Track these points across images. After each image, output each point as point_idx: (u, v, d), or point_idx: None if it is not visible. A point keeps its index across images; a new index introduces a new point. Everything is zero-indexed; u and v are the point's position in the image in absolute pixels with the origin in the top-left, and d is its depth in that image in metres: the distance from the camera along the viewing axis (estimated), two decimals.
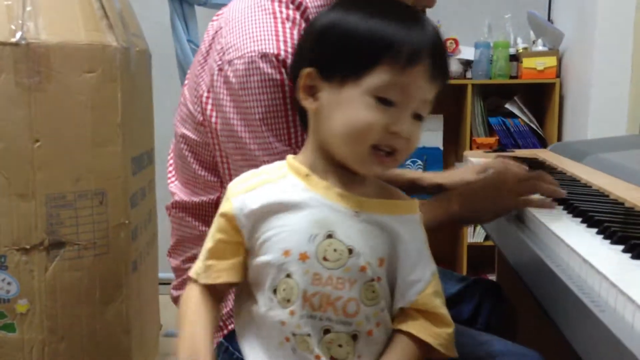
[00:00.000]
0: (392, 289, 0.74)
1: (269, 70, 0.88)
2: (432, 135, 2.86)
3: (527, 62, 2.71)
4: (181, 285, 1.09)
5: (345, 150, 0.72)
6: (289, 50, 0.89)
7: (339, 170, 0.73)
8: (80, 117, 1.50)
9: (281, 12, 0.93)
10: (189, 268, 1.04)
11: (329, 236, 0.70)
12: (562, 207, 1.01)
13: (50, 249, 1.48)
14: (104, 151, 1.53)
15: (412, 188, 1.26)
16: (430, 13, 3.48)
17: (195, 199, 1.04)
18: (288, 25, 0.92)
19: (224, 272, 0.75)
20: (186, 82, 1.06)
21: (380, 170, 0.72)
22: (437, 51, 0.72)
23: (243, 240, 0.74)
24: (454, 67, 2.77)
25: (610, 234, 0.83)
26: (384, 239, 0.72)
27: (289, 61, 0.88)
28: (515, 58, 2.78)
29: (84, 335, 1.53)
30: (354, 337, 0.70)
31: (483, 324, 1.18)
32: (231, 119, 0.91)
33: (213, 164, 0.99)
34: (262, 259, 0.72)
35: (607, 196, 1.10)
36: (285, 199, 0.72)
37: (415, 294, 0.72)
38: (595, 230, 0.87)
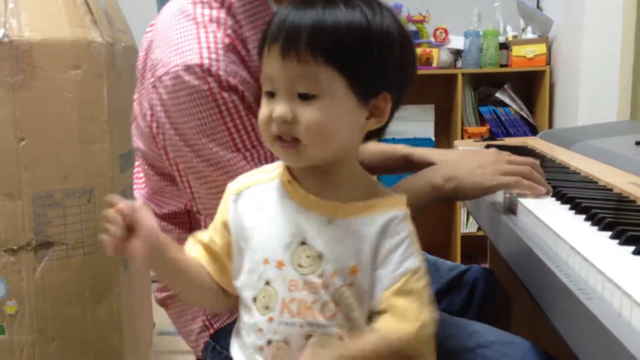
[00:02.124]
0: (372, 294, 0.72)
1: (195, 82, 0.87)
2: (423, 126, 2.86)
3: (516, 50, 2.70)
4: (165, 288, 1.08)
5: None
6: (213, 55, 0.88)
7: (318, 175, 0.72)
8: (66, 115, 1.48)
9: (203, 14, 0.92)
10: None
11: (302, 243, 0.71)
12: (550, 194, 1.00)
13: (38, 249, 1.47)
14: (90, 148, 1.52)
15: (405, 164, 1.22)
16: (420, 3, 3.47)
17: (165, 210, 1.03)
18: (212, 27, 0.91)
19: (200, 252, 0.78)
20: (135, 96, 1.04)
21: (292, 160, 0.71)
22: (292, 26, 0.68)
23: (231, 247, 0.76)
24: (444, 56, 2.76)
25: (599, 221, 0.83)
26: (357, 244, 0.70)
27: (214, 68, 0.87)
28: (505, 46, 2.77)
29: (74, 335, 1.52)
30: (340, 338, 0.70)
31: (475, 313, 1.17)
32: (173, 137, 0.91)
33: (171, 175, 0.98)
34: (244, 268, 0.74)
35: (596, 182, 1.10)
36: (266, 209, 0.74)
37: (381, 291, 0.69)
38: (584, 216, 0.87)
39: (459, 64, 2.80)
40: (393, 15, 0.72)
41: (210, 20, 0.91)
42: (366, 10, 0.69)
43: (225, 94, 0.88)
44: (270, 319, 0.71)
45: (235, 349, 0.77)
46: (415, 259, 0.71)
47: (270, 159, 0.91)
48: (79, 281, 1.52)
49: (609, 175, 1.11)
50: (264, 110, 0.71)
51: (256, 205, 0.75)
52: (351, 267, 0.70)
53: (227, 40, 0.90)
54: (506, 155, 1.01)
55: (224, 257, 0.76)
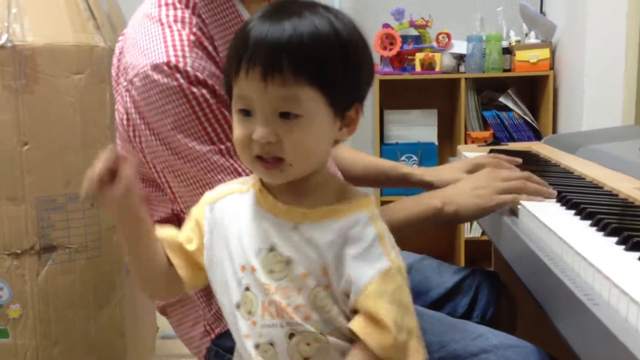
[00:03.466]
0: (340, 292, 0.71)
1: (164, 80, 0.88)
2: (426, 130, 2.85)
3: (520, 55, 2.70)
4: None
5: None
6: (180, 53, 0.89)
7: (288, 184, 0.72)
8: (69, 119, 1.49)
9: (167, 15, 0.93)
10: None
11: (271, 249, 0.72)
12: (555, 199, 1.00)
13: (41, 253, 1.47)
14: (94, 153, 1.49)
15: (404, 183, 1.27)
16: (422, 7, 3.48)
17: (155, 217, 1.04)
18: (177, 27, 0.92)
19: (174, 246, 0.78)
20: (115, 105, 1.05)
21: (275, 179, 0.71)
22: (273, 49, 0.66)
23: (202, 247, 0.77)
24: (447, 61, 2.76)
25: (604, 226, 0.82)
26: (321, 250, 0.70)
27: (181, 64, 0.88)
28: (508, 51, 2.77)
29: (78, 339, 1.52)
30: (322, 334, 0.70)
31: (479, 317, 1.17)
32: (149, 138, 0.92)
33: (155, 179, 0.98)
34: (225, 276, 0.74)
35: (601, 188, 1.09)
36: (240, 216, 0.74)
37: (354, 295, 0.68)
38: (589, 222, 0.86)
39: (462, 68, 2.80)
40: (353, 23, 0.72)
41: (175, 20, 0.92)
42: (335, 23, 0.69)
43: (194, 89, 0.88)
44: (254, 323, 0.71)
45: (237, 355, 0.78)
46: (384, 260, 0.69)
47: None
48: (83, 285, 1.52)
49: (615, 180, 1.10)
50: (240, 130, 0.70)
51: (231, 213, 0.76)
52: (321, 270, 0.70)
53: (192, 38, 0.91)
54: (500, 172, 1.05)
55: (193, 251, 0.77)
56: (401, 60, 2.79)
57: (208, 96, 0.89)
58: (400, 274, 0.70)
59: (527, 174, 1.04)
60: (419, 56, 2.75)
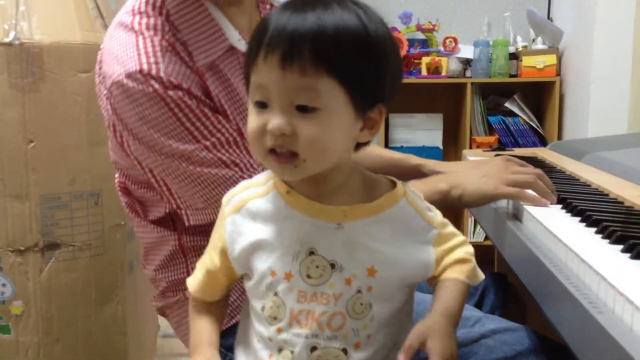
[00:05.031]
0: (396, 290, 0.73)
1: (140, 87, 0.89)
2: (431, 135, 2.85)
3: (526, 61, 2.70)
4: (162, 295, 1.08)
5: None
6: (152, 59, 0.90)
7: (314, 183, 0.70)
8: (75, 118, 1.49)
9: (140, 24, 0.93)
10: (163, 278, 1.04)
11: (311, 253, 0.69)
12: (560, 205, 1.00)
13: (45, 251, 1.47)
14: (99, 151, 1.52)
15: (416, 174, 1.25)
16: (430, 11, 3.48)
17: (150, 217, 1.05)
18: (149, 34, 0.92)
19: (218, 292, 0.79)
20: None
21: (288, 175, 0.69)
22: (294, 35, 0.64)
23: (234, 269, 0.76)
24: (453, 65, 2.76)
25: (609, 234, 0.82)
26: (372, 246, 0.70)
27: (154, 71, 0.89)
28: (514, 56, 2.77)
29: (79, 337, 1.52)
30: (344, 350, 0.70)
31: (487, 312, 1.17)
32: (137, 145, 0.93)
33: (148, 181, 0.99)
34: (251, 282, 0.73)
35: (607, 195, 1.09)
36: (269, 222, 0.72)
37: (434, 269, 0.74)
38: (594, 229, 0.86)
39: (468, 73, 2.80)
40: (383, 21, 0.70)
41: (147, 28, 0.93)
42: (363, 17, 0.67)
43: (170, 92, 0.89)
44: (279, 330, 0.70)
45: (240, 356, 0.77)
46: (432, 230, 0.75)
47: (229, 143, 0.92)
48: (85, 283, 1.52)
49: (620, 187, 1.10)
50: (254, 121, 0.68)
51: (257, 219, 0.72)
52: (368, 269, 0.70)
53: (165, 44, 0.92)
54: (513, 165, 1.03)
55: (222, 276, 0.77)
56: (407, 64, 2.79)
57: (185, 98, 0.90)
58: (443, 220, 0.76)
59: (539, 171, 1.02)
60: (425, 60, 2.74)
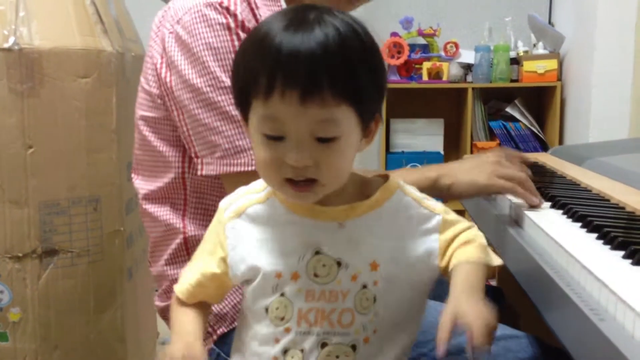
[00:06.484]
0: (403, 284, 0.73)
1: (215, 16, 0.93)
2: (432, 140, 2.85)
3: (527, 65, 2.69)
4: (166, 294, 1.07)
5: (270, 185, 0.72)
6: (232, 0, 0.94)
7: None
8: (74, 123, 1.48)
9: None
10: (169, 275, 1.03)
11: (317, 252, 0.70)
12: (561, 211, 0.99)
13: (43, 257, 1.46)
14: (98, 157, 1.51)
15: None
16: (431, 16, 3.47)
17: (159, 183, 1.03)
18: None
19: (209, 298, 0.78)
20: (141, 77, 1.07)
21: (305, 200, 0.70)
22: (312, 69, 0.63)
23: (230, 276, 0.75)
24: (454, 70, 2.75)
25: (611, 240, 0.81)
26: (374, 241, 0.72)
27: (232, 8, 0.94)
28: (515, 61, 2.76)
29: (77, 344, 1.51)
30: (353, 347, 0.71)
31: None
32: (183, 70, 0.94)
33: (174, 138, 1.00)
34: (254, 284, 0.73)
35: (608, 200, 1.08)
36: (272, 226, 0.72)
37: (441, 256, 0.74)
38: (595, 235, 0.85)
39: (469, 78, 2.80)
40: (367, 31, 0.72)
41: None
42: (361, 34, 0.69)
43: (240, 32, 0.94)
44: (287, 330, 0.71)
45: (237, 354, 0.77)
46: (436, 216, 0.75)
47: None
48: (84, 289, 1.51)
49: (621, 193, 1.09)
50: (267, 153, 0.67)
51: (258, 224, 0.73)
52: (370, 264, 0.70)
53: None
54: (505, 163, 1.03)
55: (215, 284, 0.75)
56: (408, 69, 2.79)
57: None
58: (444, 207, 0.76)
59: (525, 175, 1.02)
60: (426, 65, 2.74)
